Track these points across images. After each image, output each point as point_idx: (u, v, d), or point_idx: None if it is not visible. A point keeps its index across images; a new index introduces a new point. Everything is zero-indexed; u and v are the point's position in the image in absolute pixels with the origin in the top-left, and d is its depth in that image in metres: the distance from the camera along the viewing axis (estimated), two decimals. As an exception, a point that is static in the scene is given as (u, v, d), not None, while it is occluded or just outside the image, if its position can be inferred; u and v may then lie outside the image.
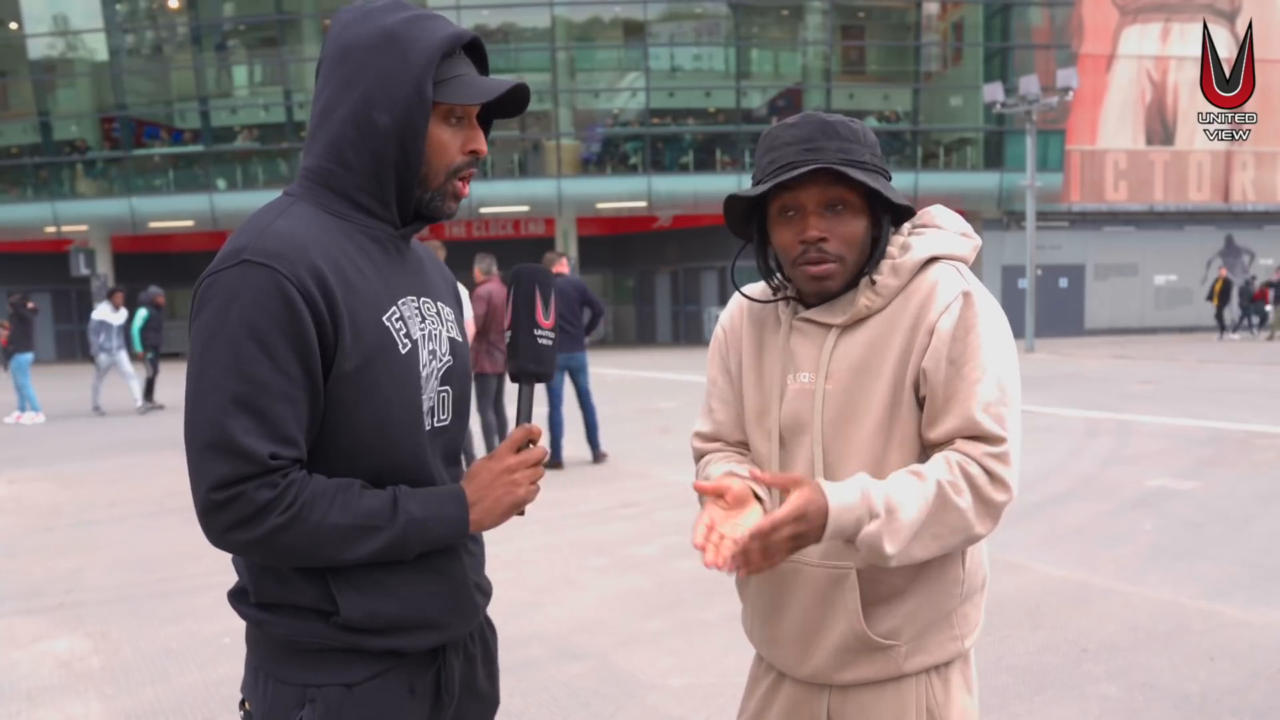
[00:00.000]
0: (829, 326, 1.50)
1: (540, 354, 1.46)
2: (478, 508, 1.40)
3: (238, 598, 1.41)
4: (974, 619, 1.52)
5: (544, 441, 1.49)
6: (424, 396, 1.41)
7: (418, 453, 1.40)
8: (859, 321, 1.48)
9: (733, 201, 1.52)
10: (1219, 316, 24.22)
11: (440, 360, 1.46)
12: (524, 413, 1.47)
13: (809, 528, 1.32)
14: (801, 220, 1.46)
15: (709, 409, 1.69)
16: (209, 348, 1.26)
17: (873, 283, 1.48)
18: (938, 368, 1.42)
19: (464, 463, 1.55)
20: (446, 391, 1.50)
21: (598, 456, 8.40)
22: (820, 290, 1.49)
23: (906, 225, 1.56)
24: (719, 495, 1.43)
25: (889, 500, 1.34)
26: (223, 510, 1.24)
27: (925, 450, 1.46)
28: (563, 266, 8.53)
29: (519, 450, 1.42)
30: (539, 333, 1.46)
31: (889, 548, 1.33)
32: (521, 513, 1.44)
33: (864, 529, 1.33)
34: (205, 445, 1.25)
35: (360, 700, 1.35)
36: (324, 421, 1.32)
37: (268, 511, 1.24)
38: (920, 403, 1.45)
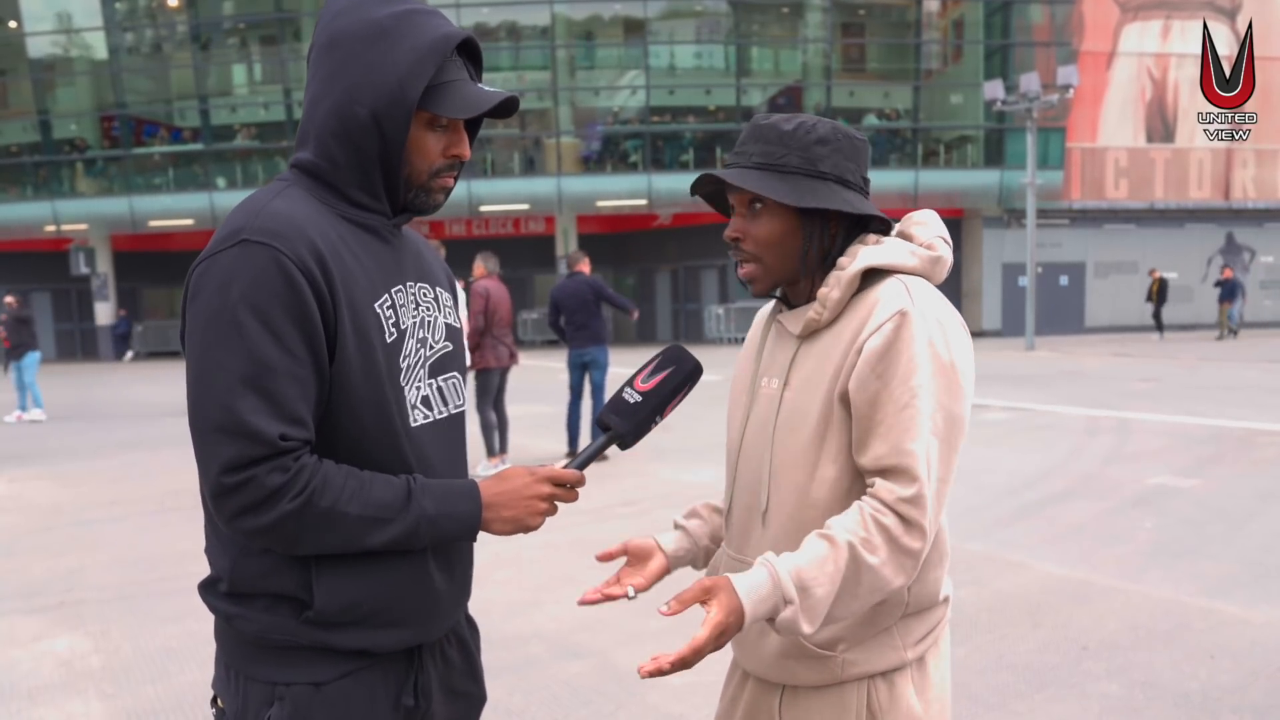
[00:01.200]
0: (793, 334, 1.52)
1: (621, 408, 1.50)
2: (493, 510, 1.38)
3: (208, 589, 1.38)
4: (919, 631, 1.49)
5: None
6: (409, 389, 1.39)
7: (406, 444, 1.38)
8: (814, 333, 1.49)
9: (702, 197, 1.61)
10: (1155, 316, 24.38)
11: (431, 348, 1.45)
12: (586, 458, 1.47)
13: (730, 636, 1.30)
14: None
15: None
16: (210, 329, 1.24)
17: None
18: (862, 389, 1.38)
19: None
20: (455, 378, 1.49)
21: None
22: (753, 290, 1.53)
23: (873, 234, 1.52)
24: (623, 554, 1.56)
25: (801, 579, 1.30)
26: (234, 494, 1.23)
27: (858, 472, 1.44)
28: (585, 266, 8.60)
29: (560, 486, 1.42)
30: (626, 390, 1.52)
31: (806, 628, 1.31)
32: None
33: (780, 616, 1.30)
34: (213, 428, 1.23)
35: (329, 700, 1.33)
36: (329, 405, 1.31)
37: (279, 497, 1.23)
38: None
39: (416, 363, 1.41)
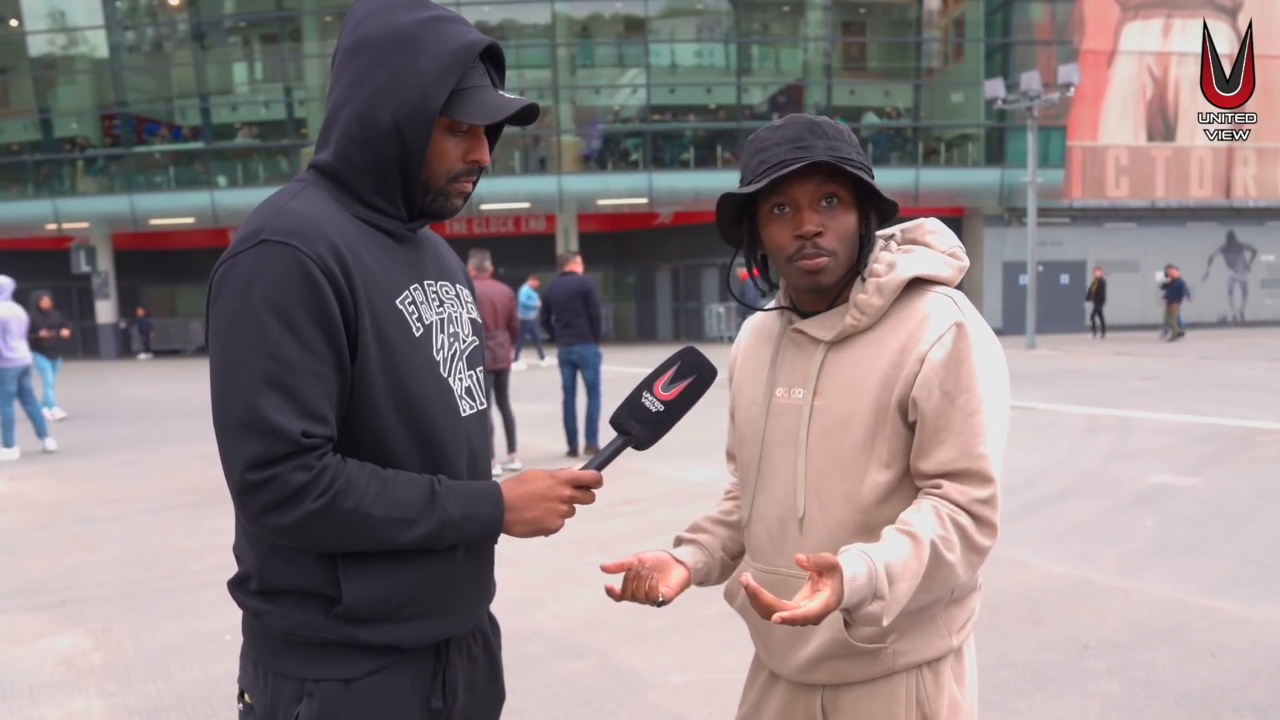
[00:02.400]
0: (819, 341, 1.52)
1: (642, 414, 1.53)
2: (515, 512, 1.39)
3: (238, 586, 1.40)
4: (961, 618, 1.52)
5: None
6: (451, 381, 1.41)
7: (445, 440, 1.40)
8: (847, 339, 1.50)
9: (726, 201, 1.52)
10: (1097, 315, 24.35)
11: (463, 342, 1.46)
12: (604, 460, 1.50)
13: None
14: (795, 216, 1.47)
15: (728, 425, 1.73)
16: (233, 329, 1.26)
17: (863, 281, 1.49)
18: (929, 397, 1.42)
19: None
20: (479, 373, 1.51)
21: (590, 450, 8.51)
22: (813, 285, 1.49)
23: (894, 242, 1.56)
24: (635, 566, 1.55)
25: (891, 573, 1.34)
26: (258, 492, 1.24)
27: (913, 476, 1.46)
28: (575, 265, 8.66)
29: (579, 488, 1.44)
30: (646, 396, 1.53)
31: (885, 620, 1.35)
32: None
33: (867, 609, 1.34)
34: (237, 426, 1.24)
35: (358, 696, 1.34)
36: (350, 403, 1.32)
37: (303, 496, 1.24)
38: (910, 427, 1.45)
39: (452, 355, 1.42)
